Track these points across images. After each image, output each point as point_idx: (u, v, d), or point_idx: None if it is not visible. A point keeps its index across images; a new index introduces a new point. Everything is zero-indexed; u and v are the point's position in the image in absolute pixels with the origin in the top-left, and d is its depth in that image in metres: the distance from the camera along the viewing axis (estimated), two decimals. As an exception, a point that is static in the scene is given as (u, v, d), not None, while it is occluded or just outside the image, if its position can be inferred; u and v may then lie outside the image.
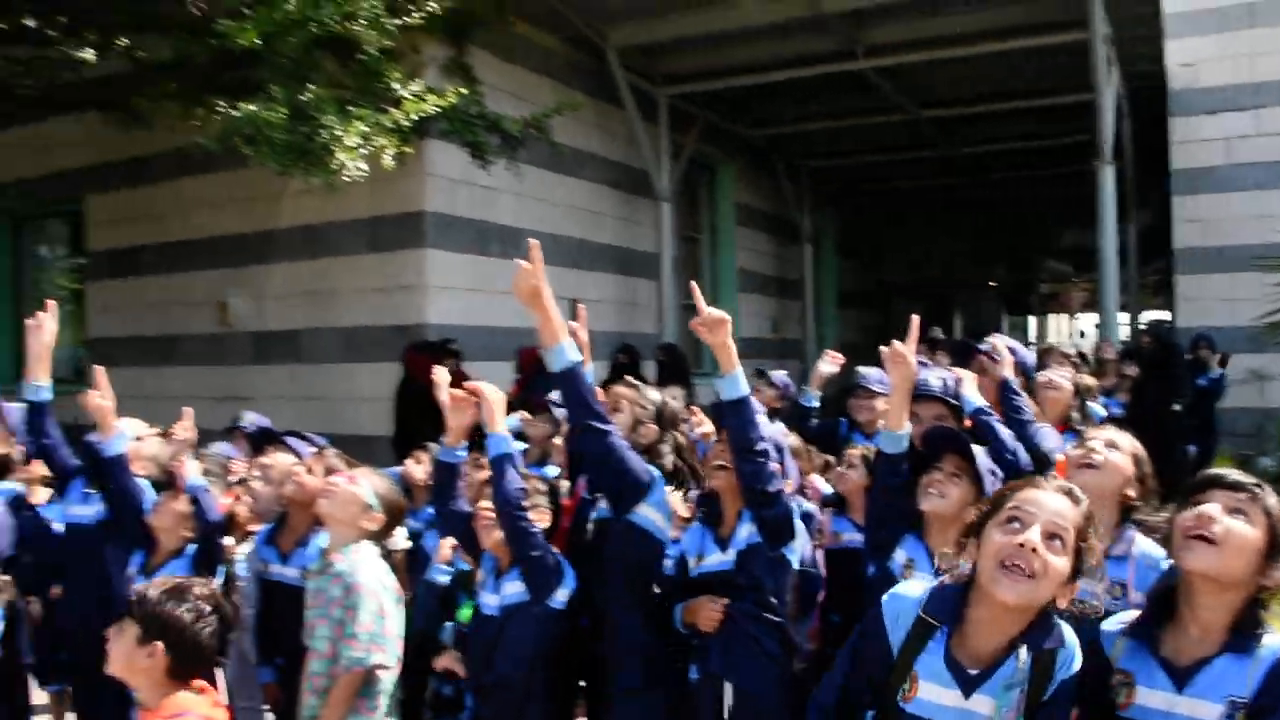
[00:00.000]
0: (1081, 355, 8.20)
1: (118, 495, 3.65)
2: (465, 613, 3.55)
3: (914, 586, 2.25)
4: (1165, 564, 2.49)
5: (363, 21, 7.02)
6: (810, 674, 3.42)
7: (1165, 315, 15.26)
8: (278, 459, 4.21)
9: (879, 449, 3.27)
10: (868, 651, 2.23)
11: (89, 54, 8.18)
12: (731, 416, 2.99)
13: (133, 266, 10.86)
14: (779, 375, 6.44)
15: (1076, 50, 9.66)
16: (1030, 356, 4.30)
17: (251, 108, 6.71)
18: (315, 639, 3.25)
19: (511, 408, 5.15)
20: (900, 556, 3.07)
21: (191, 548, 3.52)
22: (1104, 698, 2.17)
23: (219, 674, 3.48)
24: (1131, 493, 2.78)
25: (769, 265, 15.56)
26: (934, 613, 2.14)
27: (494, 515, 3.20)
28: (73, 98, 9.12)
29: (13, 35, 7.83)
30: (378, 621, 3.18)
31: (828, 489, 4.55)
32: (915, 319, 3.33)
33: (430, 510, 4.10)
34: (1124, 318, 13.60)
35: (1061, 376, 4.71)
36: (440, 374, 4.73)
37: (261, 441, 4.42)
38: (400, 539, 3.94)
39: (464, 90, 8.05)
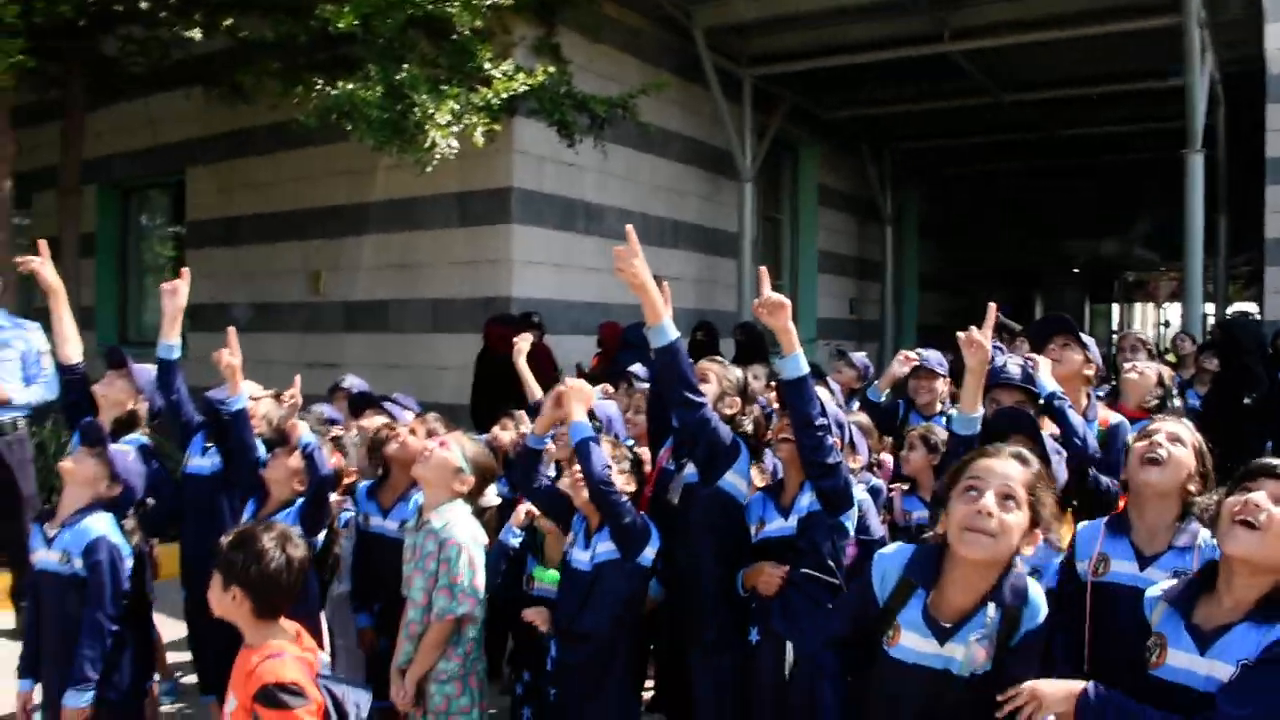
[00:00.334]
0: (1157, 347, 8.13)
1: (237, 449, 3.92)
2: (539, 573, 3.74)
3: (898, 550, 2.53)
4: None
5: (456, 3, 7.25)
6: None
7: (1253, 308, 14.93)
8: (373, 422, 4.49)
9: (951, 430, 3.40)
10: (859, 601, 2.53)
11: (196, 33, 8.53)
12: (792, 394, 3.17)
13: (231, 236, 11.29)
14: (859, 356, 6.54)
15: (1170, 35, 9.53)
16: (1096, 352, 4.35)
17: (349, 86, 6.97)
18: (412, 590, 3.50)
19: (593, 380, 5.35)
20: None
21: (299, 500, 3.77)
22: (1140, 656, 2.33)
23: (321, 617, 3.78)
24: (1193, 488, 2.85)
25: (849, 246, 15.57)
26: (914, 575, 2.41)
27: (579, 482, 3.39)
28: (179, 75, 9.54)
29: (127, 16, 8.20)
30: (467, 574, 3.41)
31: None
32: (993, 306, 3.48)
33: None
34: (1210, 308, 13.36)
35: (1147, 365, 4.79)
36: (521, 343, 4.96)
37: (361, 404, 4.67)
38: (491, 496, 4.16)
39: (552, 70, 8.23)
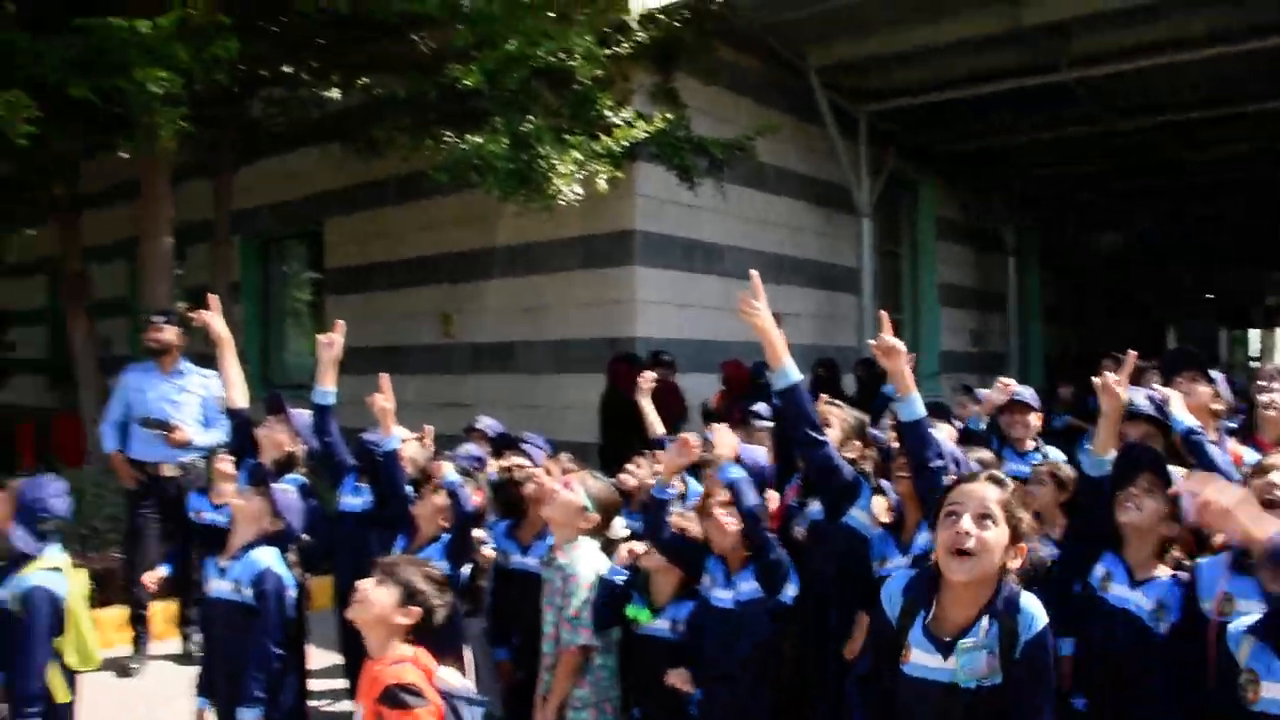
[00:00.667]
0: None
1: (388, 487, 4.21)
2: (632, 611, 3.73)
3: (900, 575, 2.70)
4: None
5: (577, 55, 7.53)
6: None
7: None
8: (510, 462, 4.72)
9: (1080, 470, 3.45)
10: (877, 631, 2.68)
11: (334, 93, 9.06)
12: (908, 436, 3.30)
13: (365, 282, 11.82)
14: (984, 392, 6.52)
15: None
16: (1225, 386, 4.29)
17: (477, 139, 7.27)
18: (544, 624, 3.73)
19: (716, 418, 5.48)
20: (1099, 570, 3.25)
21: (445, 535, 4.02)
22: (1235, 696, 2.36)
23: (465, 651, 4.01)
24: None
25: (971, 278, 15.42)
26: (913, 595, 2.57)
27: (728, 522, 3.50)
28: (317, 132, 10.09)
29: (272, 80, 8.76)
30: (586, 608, 3.61)
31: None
32: (1132, 355, 3.52)
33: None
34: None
35: None
36: (644, 381, 5.11)
37: (501, 445, 4.91)
38: (619, 529, 4.33)
39: (670, 115, 8.46)
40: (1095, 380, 3.30)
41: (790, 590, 3.47)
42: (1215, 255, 20.16)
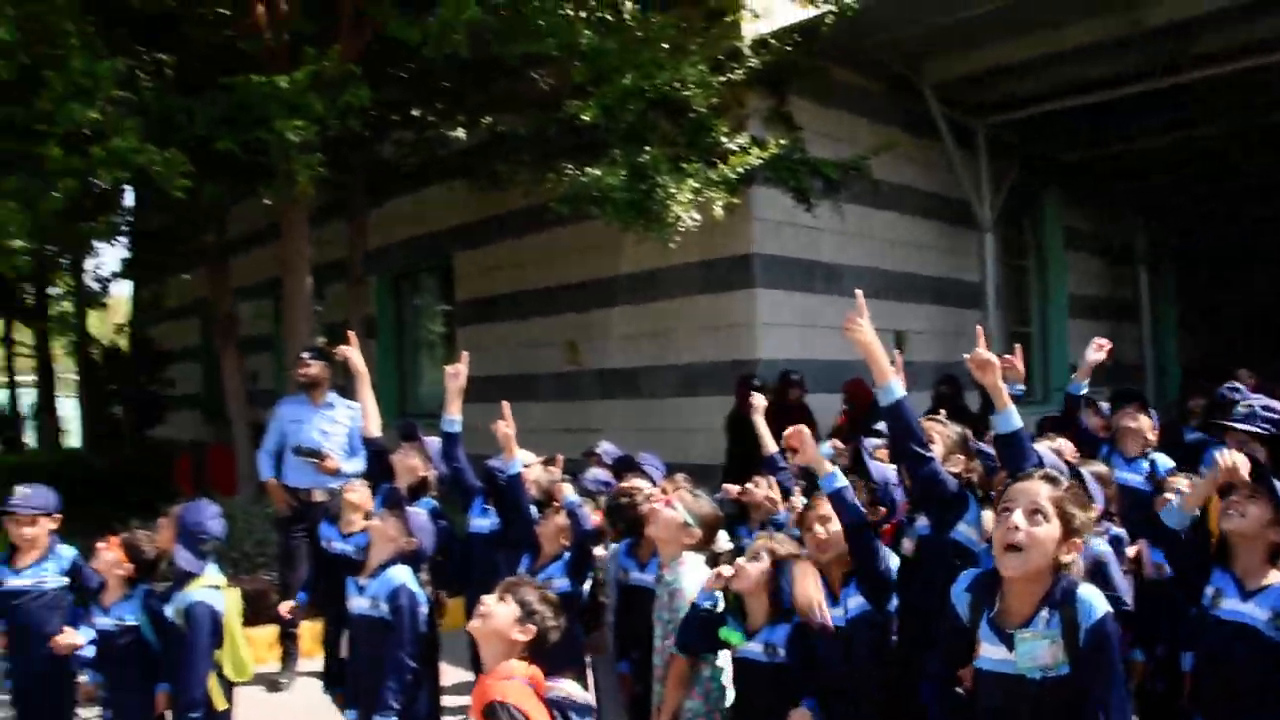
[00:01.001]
0: None
1: (513, 509, 4.43)
2: (725, 633, 3.69)
3: (964, 575, 2.80)
4: None
5: (691, 84, 7.71)
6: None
7: None
8: (631, 484, 4.89)
9: (1161, 521, 3.50)
10: (949, 634, 2.78)
11: (459, 132, 9.47)
12: (1005, 449, 3.35)
13: (493, 312, 12.20)
14: (1106, 405, 6.43)
15: None
16: None
17: (596, 172, 7.50)
18: (655, 637, 3.90)
19: (840, 437, 5.54)
20: (1209, 590, 3.28)
21: (566, 554, 4.21)
22: None
23: (587, 661, 4.18)
24: None
25: (1101, 288, 15.03)
26: (977, 592, 2.69)
27: (831, 540, 3.56)
28: (444, 169, 10.53)
29: (402, 123, 9.20)
30: None
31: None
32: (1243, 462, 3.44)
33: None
34: None
35: None
36: (756, 400, 5.19)
37: (623, 468, 5.08)
38: (723, 543, 4.44)
39: (784, 140, 8.56)
40: (1216, 455, 3.31)
41: (894, 603, 3.50)
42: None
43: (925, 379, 9.47)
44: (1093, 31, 9.65)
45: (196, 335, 19.13)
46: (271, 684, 6.61)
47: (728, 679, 3.79)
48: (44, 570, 4.62)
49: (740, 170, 7.87)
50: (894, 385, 3.46)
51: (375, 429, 5.04)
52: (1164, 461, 5.11)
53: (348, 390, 5.43)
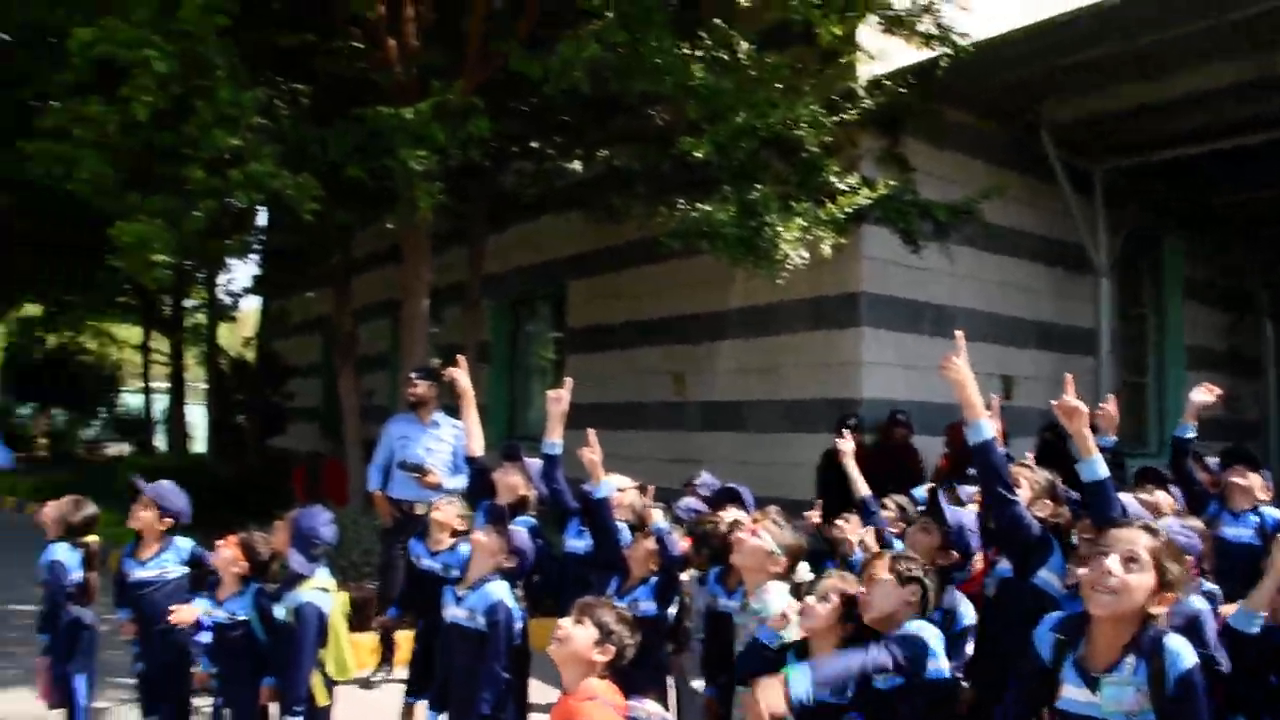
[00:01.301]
0: None
1: (600, 531, 4.58)
2: (792, 672, 3.53)
3: (1050, 616, 2.79)
4: None
5: (803, 124, 7.81)
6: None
7: None
8: (728, 514, 5.00)
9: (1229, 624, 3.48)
10: (1029, 675, 2.76)
11: (576, 165, 9.76)
12: (1091, 497, 3.36)
13: (604, 341, 12.45)
14: (1214, 460, 6.30)
15: None
16: None
17: (707, 208, 7.64)
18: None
19: (942, 479, 5.55)
20: None
21: (654, 578, 4.35)
22: None
23: (668, 682, 4.30)
24: None
25: (1222, 340, 14.54)
26: (1063, 632, 2.69)
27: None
28: (561, 200, 10.85)
29: (522, 154, 9.53)
30: None
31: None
32: None
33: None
34: None
35: None
36: (842, 445, 5.23)
37: (722, 498, 5.19)
38: (804, 573, 4.50)
39: (894, 181, 8.58)
40: None
41: (933, 665, 3.28)
42: None
43: (1032, 424, 9.34)
44: (1217, 78, 9.43)
45: (318, 351, 19.89)
46: (364, 683, 6.92)
47: None
48: (165, 561, 4.92)
49: (848, 210, 7.92)
50: (983, 425, 3.49)
51: (478, 448, 5.24)
52: (1273, 514, 5.01)
53: (456, 410, 5.67)
